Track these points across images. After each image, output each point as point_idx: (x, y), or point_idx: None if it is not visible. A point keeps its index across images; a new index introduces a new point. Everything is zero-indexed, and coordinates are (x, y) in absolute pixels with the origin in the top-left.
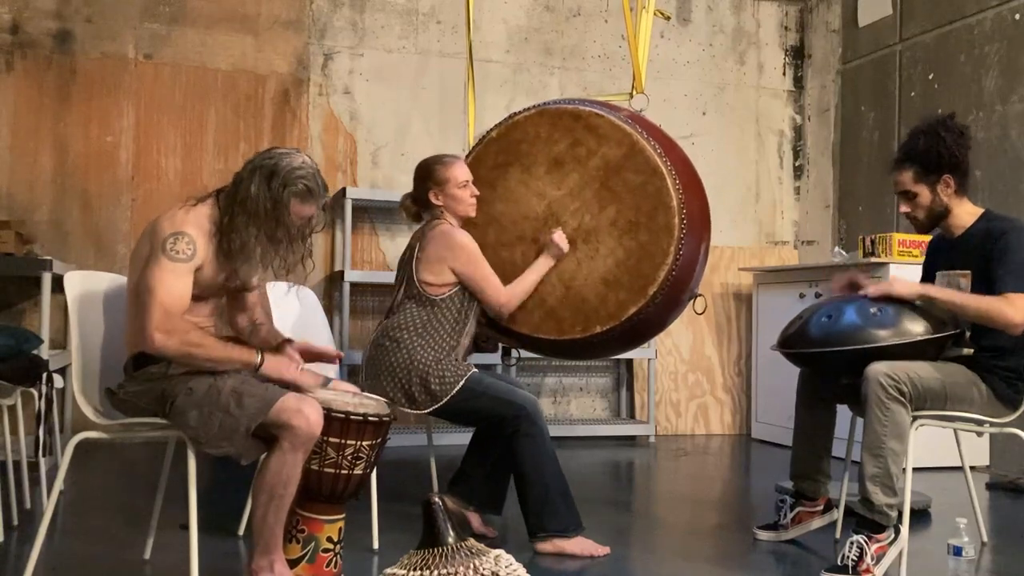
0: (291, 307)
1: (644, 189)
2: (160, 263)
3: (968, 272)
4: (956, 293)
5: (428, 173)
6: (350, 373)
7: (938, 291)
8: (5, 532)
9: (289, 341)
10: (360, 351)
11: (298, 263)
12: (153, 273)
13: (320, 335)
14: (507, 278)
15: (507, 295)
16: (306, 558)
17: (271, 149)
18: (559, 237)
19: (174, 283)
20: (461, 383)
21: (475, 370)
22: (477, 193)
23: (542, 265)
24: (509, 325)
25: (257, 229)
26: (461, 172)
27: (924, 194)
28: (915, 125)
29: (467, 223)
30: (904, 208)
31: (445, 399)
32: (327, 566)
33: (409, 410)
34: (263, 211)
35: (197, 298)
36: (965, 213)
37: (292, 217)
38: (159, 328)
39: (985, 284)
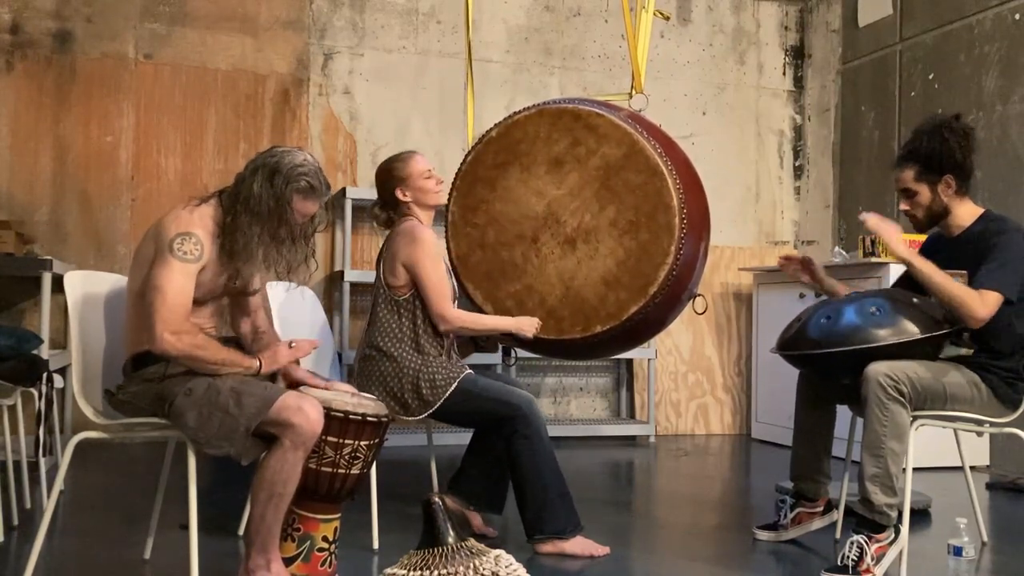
0: (291, 307)
1: (644, 189)
2: (168, 263)
3: (965, 272)
4: (936, 270)
5: (389, 174)
6: (349, 374)
7: (922, 261)
8: (5, 532)
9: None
10: None
11: (301, 264)
12: (161, 273)
13: (320, 335)
14: (506, 277)
15: (452, 315)
16: (301, 557)
17: (273, 148)
18: (534, 324)
19: (183, 284)
20: (454, 386)
21: (469, 371)
22: (442, 180)
23: (501, 322)
24: None
25: (260, 228)
26: (422, 163)
27: (924, 193)
28: (921, 124)
29: (467, 223)
30: (903, 206)
31: (439, 403)
32: (322, 565)
33: (405, 417)
34: (266, 209)
35: (197, 301)
36: (965, 213)
37: (295, 215)
38: (169, 328)
39: None
